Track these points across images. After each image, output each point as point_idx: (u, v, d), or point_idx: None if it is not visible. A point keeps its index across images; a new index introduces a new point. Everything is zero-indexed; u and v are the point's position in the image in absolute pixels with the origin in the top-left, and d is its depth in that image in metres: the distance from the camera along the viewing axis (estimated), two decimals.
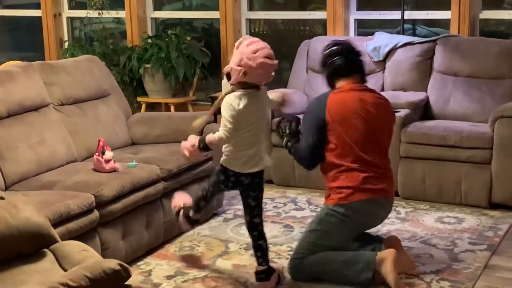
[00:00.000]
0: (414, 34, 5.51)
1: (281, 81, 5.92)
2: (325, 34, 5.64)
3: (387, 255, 3.21)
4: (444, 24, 5.36)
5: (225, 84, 5.36)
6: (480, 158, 4.34)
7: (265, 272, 3.35)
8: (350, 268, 3.26)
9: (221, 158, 3.31)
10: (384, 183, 3.38)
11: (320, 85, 5.26)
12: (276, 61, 3.18)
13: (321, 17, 5.76)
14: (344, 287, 3.29)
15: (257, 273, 3.37)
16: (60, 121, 4.06)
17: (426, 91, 4.94)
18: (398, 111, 4.60)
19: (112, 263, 2.15)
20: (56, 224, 3.09)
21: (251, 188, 3.31)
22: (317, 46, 5.36)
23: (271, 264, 3.41)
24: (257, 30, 6.39)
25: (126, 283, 2.20)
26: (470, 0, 5.04)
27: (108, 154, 3.69)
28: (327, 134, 3.37)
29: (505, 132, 4.24)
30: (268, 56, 3.15)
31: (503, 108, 4.34)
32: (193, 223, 3.66)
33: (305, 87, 5.36)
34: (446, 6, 5.19)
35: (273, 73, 3.23)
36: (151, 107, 6.15)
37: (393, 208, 4.39)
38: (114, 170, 3.67)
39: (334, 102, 3.39)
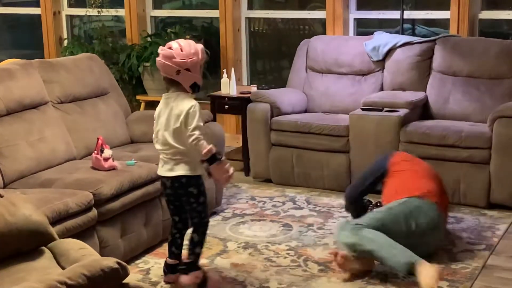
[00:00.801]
0: (413, 34, 5.51)
1: (281, 80, 5.92)
2: (324, 33, 5.64)
3: (433, 269, 3.19)
4: (444, 24, 5.36)
5: (225, 83, 5.38)
6: (479, 158, 4.34)
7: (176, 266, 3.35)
8: (395, 249, 3.30)
9: None
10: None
11: (319, 84, 5.28)
12: (158, 58, 3.17)
13: (321, 16, 5.76)
14: None
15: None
16: (60, 119, 4.06)
17: (425, 91, 4.94)
18: (397, 111, 4.61)
19: (110, 261, 2.14)
20: (54, 222, 3.09)
21: (170, 193, 3.30)
22: (317, 45, 5.37)
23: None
24: (256, 29, 6.39)
25: (124, 281, 2.20)
26: (469, 0, 5.04)
27: (107, 152, 3.69)
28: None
29: (504, 132, 4.24)
30: (161, 51, 3.19)
31: (502, 108, 4.34)
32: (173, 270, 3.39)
33: (304, 86, 5.36)
34: (446, 6, 5.19)
35: (164, 73, 3.20)
36: (151, 105, 6.14)
37: None
38: (113, 168, 3.67)
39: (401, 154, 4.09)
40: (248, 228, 4.14)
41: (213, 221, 4.25)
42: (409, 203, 3.58)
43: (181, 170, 3.20)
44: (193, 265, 3.30)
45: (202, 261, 3.65)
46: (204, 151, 3.11)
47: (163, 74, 3.24)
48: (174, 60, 3.14)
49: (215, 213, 4.37)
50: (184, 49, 3.16)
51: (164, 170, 3.24)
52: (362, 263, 3.43)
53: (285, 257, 3.68)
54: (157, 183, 3.79)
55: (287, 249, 3.78)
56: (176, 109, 3.19)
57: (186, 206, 3.29)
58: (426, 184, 3.72)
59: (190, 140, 3.12)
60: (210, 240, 3.94)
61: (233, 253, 3.77)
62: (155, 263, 3.65)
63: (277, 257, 3.69)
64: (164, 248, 3.83)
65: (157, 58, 3.21)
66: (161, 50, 3.20)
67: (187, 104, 3.17)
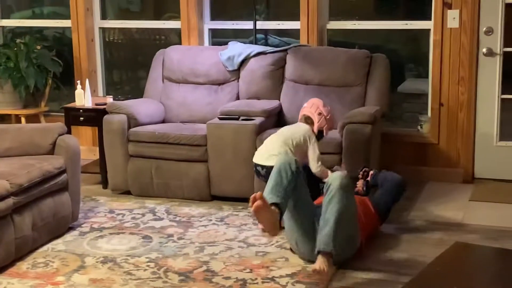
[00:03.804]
0: (266, 44, 5.67)
1: (138, 90, 5.87)
2: (180, 43, 5.66)
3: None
4: (295, 34, 5.54)
5: (79, 94, 5.25)
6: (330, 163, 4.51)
7: None
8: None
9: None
10: None
11: (176, 94, 5.29)
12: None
13: (176, 26, 5.77)
14: None
15: None
16: None
17: (279, 99, 5.09)
18: (253, 119, 4.71)
19: None
20: None
21: None
22: (173, 55, 5.37)
23: None
24: (111, 39, 6.30)
25: None
26: (318, 11, 5.26)
27: None
28: None
29: (353, 137, 4.44)
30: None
31: (350, 115, 4.55)
32: None
33: (161, 97, 5.34)
34: (296, 17, 5.37)
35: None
36: (1, 119, 5.88)
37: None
38: None
39: None
40: (106, 242, 4.06)
41: (69, 236, 4.13)
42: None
43: None
44: None
45: (58, 278, 3.54)
46: None
47: None
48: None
49: (71, 229, 4.24)
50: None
51: None
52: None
53: (145, 270, 3.64)
54: (8, 200, 3.64)
55: (147, 261, 3.75)
56: None
57: None
58: None
59: None
60: (67, 256, 3.83)
61: (91, 268, 3.68)
62: (7, 283, 3.49)
63: (137, 270, 3.64)
64: (18, 267, 3.68)
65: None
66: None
67: None
